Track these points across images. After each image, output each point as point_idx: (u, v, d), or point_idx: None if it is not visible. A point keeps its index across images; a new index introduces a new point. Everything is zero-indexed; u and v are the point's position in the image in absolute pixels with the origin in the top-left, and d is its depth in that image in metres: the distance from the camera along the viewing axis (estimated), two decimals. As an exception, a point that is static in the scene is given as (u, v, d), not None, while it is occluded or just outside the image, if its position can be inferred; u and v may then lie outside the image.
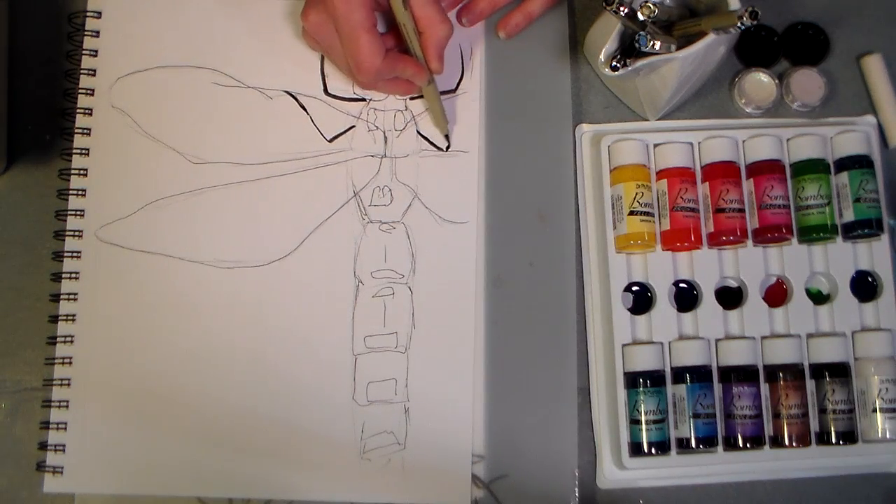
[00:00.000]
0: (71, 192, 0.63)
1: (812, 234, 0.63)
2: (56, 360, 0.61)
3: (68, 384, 0.61)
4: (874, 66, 0.68)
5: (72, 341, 0.62)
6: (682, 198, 0.63)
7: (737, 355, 0.62)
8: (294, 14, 0.66)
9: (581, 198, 0.66)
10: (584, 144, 0.66)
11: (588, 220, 0.65)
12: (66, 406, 0.61)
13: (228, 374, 0.62)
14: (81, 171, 0.63)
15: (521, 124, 0.66)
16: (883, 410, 0.61)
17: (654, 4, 0.56)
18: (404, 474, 0.61)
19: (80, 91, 0.64)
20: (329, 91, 0.66)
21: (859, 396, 0.62)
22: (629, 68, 0.59)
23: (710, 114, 0.68)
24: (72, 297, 0.62)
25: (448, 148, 0.65)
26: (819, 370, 0.62)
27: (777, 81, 0.68)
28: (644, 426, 0.60)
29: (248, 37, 0.66)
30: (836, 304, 0.64)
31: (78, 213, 0.63)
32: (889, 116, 0.68)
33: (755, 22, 0.55)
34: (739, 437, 0.61)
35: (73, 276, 0.62)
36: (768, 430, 0.62)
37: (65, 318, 0.62)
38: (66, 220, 0.63)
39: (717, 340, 0.63)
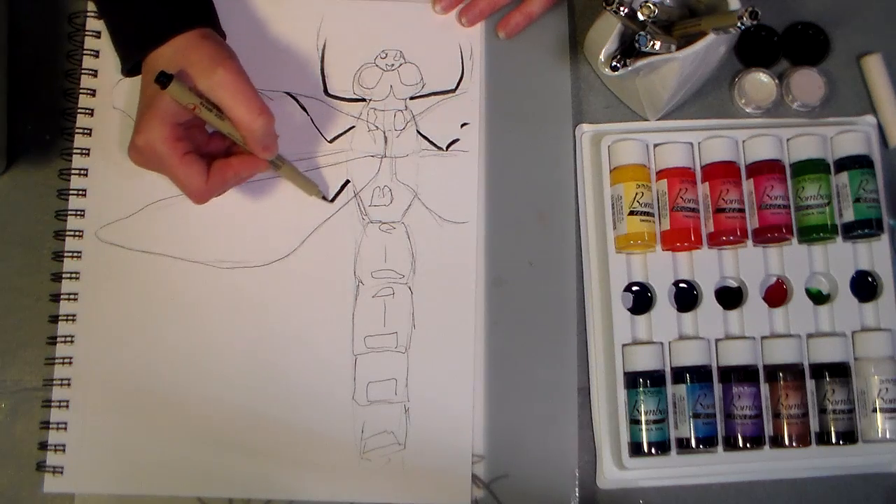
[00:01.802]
0: (71, 192, 0.63)
1: (812, 234, 0.63)
2: (56, 360, 0.61)
3: (68, 384, 0.61)
4: (874, 66, 0.68)
5: (72, 341, 0.62)
6: (682, 198, 0.63)
7: (737, 355, 0.62)
8: (282, 25, 0.67)
9: (581, 198, 0.66)
10: (584, 144, 0.66)
11: (588, 220, 0.65)
12: (66, 406, 0.61)
13: (228, 374, 0.62)
14: (82, 171, 0.63)
15: (521, 124, 0.66)
16: (883, 410, 0.61)
17: (654, 4, 0.56)
18: (404, 474, 0.61)
19: (81, 91, 0.64)
20: (329, 91, 0.66)
21: (859, 396, 0.62)
22: (629, 68, 0.59)
23: (710, 114, 0.68)
24: (72, 297, 0.62)
25: (333, 200, 0.64)
26: (819, 370, 0.62)
27: (777, 81, 0.68)
28: (644, 426, 0.60)
29: (248, 38, 0.66)
30: (836, 304, 0.64)
31: (78, 213, 0.63)
32: (889, 116, 0.68)
33: (755, 22, 0.55)
34: (739, 437, 0.61)
35: (73, 276, 0.62)
36: (768, 430, 0.62)
37: (65, 318, 0.62)
38: (66, 220, 0.63)
39: (717, 340, 0.63)
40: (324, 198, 0.64)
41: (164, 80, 0.54)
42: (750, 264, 0.64)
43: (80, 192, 0.63)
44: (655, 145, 0.65)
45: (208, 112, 0.56)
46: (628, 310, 0.63)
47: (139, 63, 0.58)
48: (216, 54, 0.56)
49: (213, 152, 0.60)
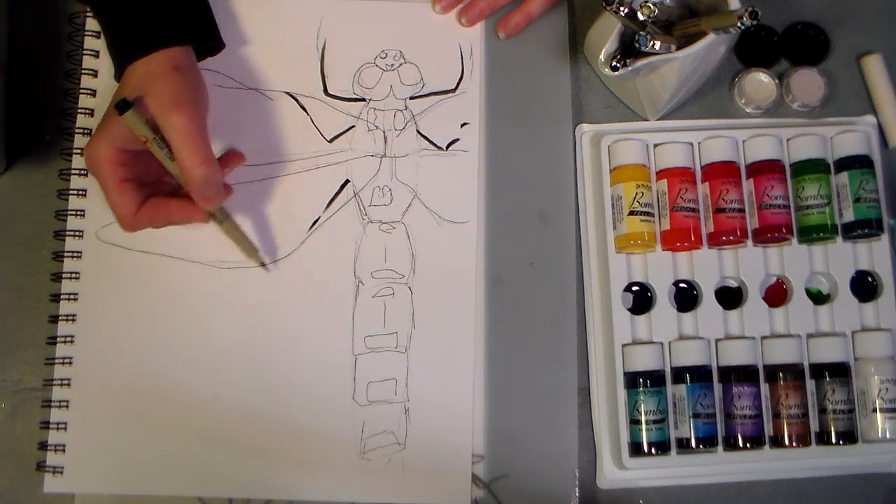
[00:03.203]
0: (71, 192, 0.63)
1: (812, 234, 0.63)
2: (56, 360, 0.61)
3: (68, 384, 0.61)
4: (874, 66, 0.68)
5: (72, 341, 0.62)
6: (682, 198, 0.63)
7: (737, 355, 0.62)
8: (281, 25, 0.66)
9: (581, 198, 0.66)
10: (584, 144, 0.66)
11: (588, 220, 0.65)
12: (66, 406, 0.61)
13: (228, 374, 0.62)
14: (82, 171, 0.63)
15: (521, 124, 0.66)
16: (883, 410, 0.61)
17: (654, 4, 0.56)
18: (404, 474, 0.61)
19: (81, 91, 0.64)
20: (329, 91, 0.66)
21: (859, 396, 0.62)
22: (629, 68, 0.59)
23: (710, 114, 0.68)
24: (72, 297, 0.62)
25: (266, 267, 0.62)
26: (819, 370, 0.62)
27: (777, 81, 0.68)
28: (644, 426, 0.60)
29: (249, 37, 0.66)
30: (836, 304, 0.64)
31: (78, 213, 0.63)
32: (889, 116, 0.68)
33: (755, 22, 0.55)
34: (739, 437, 0.61)
35: (74, 276, 0.62)
36: (768, 430, 0.62)
37: (65, 318, 0.62)
38: (66, 220, 0.63)
39: (717, 340, 0.63)
40: (262, 264, 0.62)
41: (122, 106, 0.53)
42: (750, 264, 0.64)
43: (80, 192, 0.63)
44: (655, 145, 0.65)
45: (159, 149, 0.55)
46: (628, 310, 0.63)
47: None
48: (180, 93, 0.55)
49: (162, 187, 0.59)
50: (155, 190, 0.58)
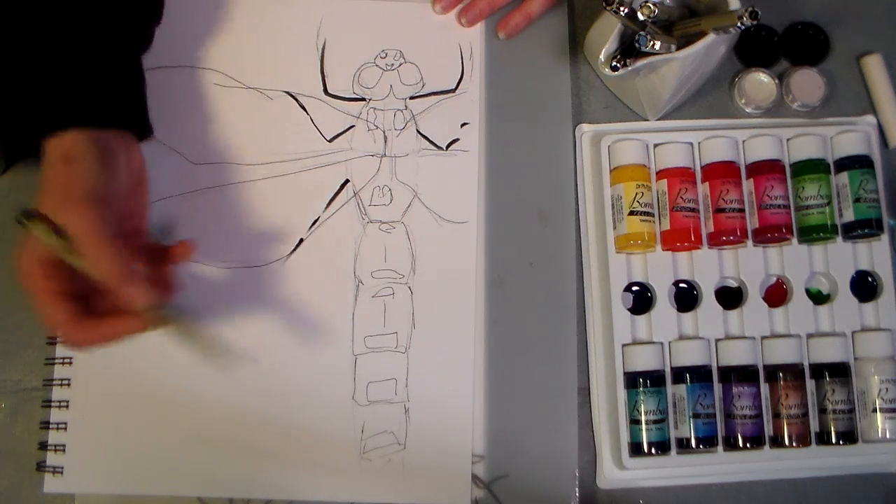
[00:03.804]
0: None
1: (812, 234, 0.63)
2: (56, 360, 0.61)
3: (68, 384, 0.61)
4: (874, 66, 0.68)
5: (72, 341, 0.62)
6: (682, 198, 0.63)
7: (737, 355, 0.62)
8: (281, 25, 0.66)
9: (581, 198, 0.66)
10: (584, 144, 0.66)
11: (588, 220, 0.65)
12: (66, 406, 0.61)
13: (228, 374, 0.61)
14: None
15: (521, 124, 0.66)
16: (883, 410, 0.61)
17: (654, 4, 0.56)
18: (404, 474, 0.61)
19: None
20: (329, 91, 0.66)
21: (859, 396, 0.62)
22: (629, 68, 0.59)
23: (710, 114, 0.68)
24: (72, 297, 0.62)
25: (223, 368, 0.60)
26: (819, 370, 0.62)
27: (777, 81, 0.68)
28: (644, 426, 0.60)
29: (249, 37, 0.66)
30: (836, 304, 0.64)
31: (78, 213, 0.63)
32: (889, 116, 0.68)
33: (755, 22, 0.55)
34: (739, 437, 0.61)
35: (73, 276, 0.62)
36: (768, 430, 0.62)
37: (65, 318, 0.62)
38: (66, 220, 0.63)
39: (717, 340, 0.63)
40: (222, 364, 0.58)
41: (25, 218, 0.49)
42: (750, 264, 0.64)
43: (80, 192, 0.63)
44: (655, 145, 0.65)
45: (74, 256, 0.49)
46: (628, 310, 0.63)
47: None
48: (68, 188, 0.49)
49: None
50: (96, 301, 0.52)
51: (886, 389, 0.61)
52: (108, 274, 0.49)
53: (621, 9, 0.56)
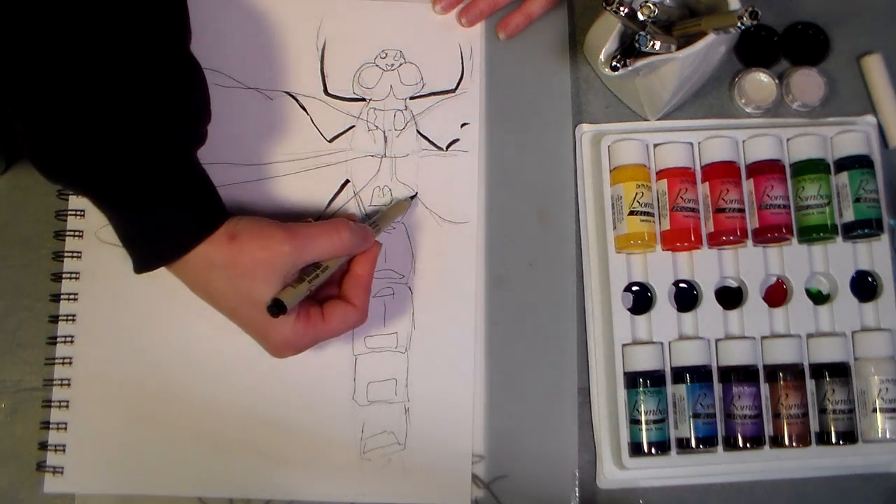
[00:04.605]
0: (71, 192, 0.63)
1: (812, 234, 0.63)
2: (56, 360, 0.61)
3: (68, 384, 0.61)
4: (874, 66, 0.68)
5: (72, 341, 0.61)
6: (682, 198, 0.63)
7: (737, 355, 0.62)
8: (281, 25, 0.66)
9: (581, 198, 0.66)
10: (584, 144, 0.66)
11: (588, 220, 0.65)
12: (66, 406, 0.61)
13: (228, 373, 0.62)
14: (81, 171, 0.63)
15: (521, 124, 0.66)
16: (883, 410, 0.61)
17: (654, 4, 0.56)
18: (404, 474, 0.61)
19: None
20: (329, 91, 0.66)
21: (859, 396, 0.62)
22: (629, 68, 0.59)
23: (710, 114, 0.68)
24: (72, 297, 0.62)
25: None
26: (819, 370, 0.62)
27: (777, 81, 0.68)
28: (644, 426, 0.60)
29: (249, 37, 0.66)
30: (836, 304, 0.64)
31: (78, 213, 0.63)
32: (889, 116, 0.68)
33: (755, 22, 0.55)
34: (739, 437, 0.61)
35: (73, 276, 0.62)
36: (768, 430, 0.62)
37: (65, 318, 0.62)
38: (66, 220, 0.63)
39: (717, 340, 0.63)
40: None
41: (276, 308, 0.53)
42: (750, 264, 0.64)
43: (80, 192, 0.63)
44: (655, 145, 0.65)
45: (319, 274, 0.55)
46: (628, 310, 0.63)
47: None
48: (259, 227, 0.55)
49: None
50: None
51: (886, 389, 0.61)
52: (354, 242, 0.57)
53: (621, 9, 0.56)
